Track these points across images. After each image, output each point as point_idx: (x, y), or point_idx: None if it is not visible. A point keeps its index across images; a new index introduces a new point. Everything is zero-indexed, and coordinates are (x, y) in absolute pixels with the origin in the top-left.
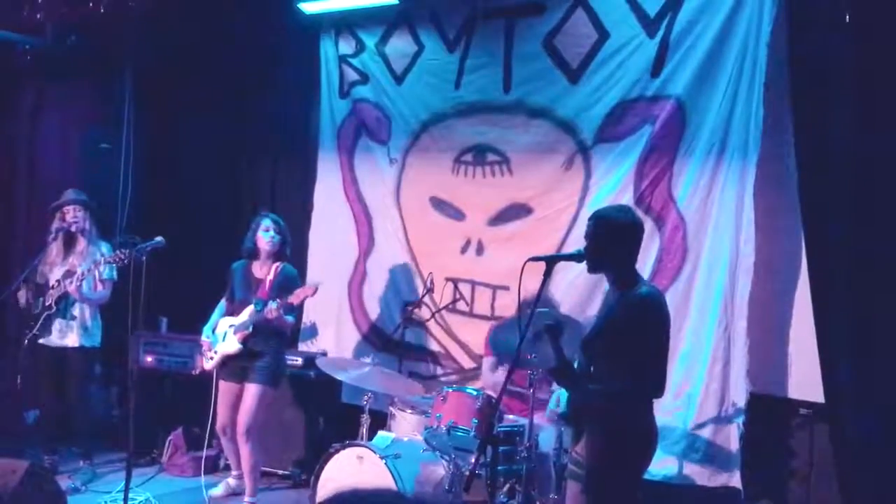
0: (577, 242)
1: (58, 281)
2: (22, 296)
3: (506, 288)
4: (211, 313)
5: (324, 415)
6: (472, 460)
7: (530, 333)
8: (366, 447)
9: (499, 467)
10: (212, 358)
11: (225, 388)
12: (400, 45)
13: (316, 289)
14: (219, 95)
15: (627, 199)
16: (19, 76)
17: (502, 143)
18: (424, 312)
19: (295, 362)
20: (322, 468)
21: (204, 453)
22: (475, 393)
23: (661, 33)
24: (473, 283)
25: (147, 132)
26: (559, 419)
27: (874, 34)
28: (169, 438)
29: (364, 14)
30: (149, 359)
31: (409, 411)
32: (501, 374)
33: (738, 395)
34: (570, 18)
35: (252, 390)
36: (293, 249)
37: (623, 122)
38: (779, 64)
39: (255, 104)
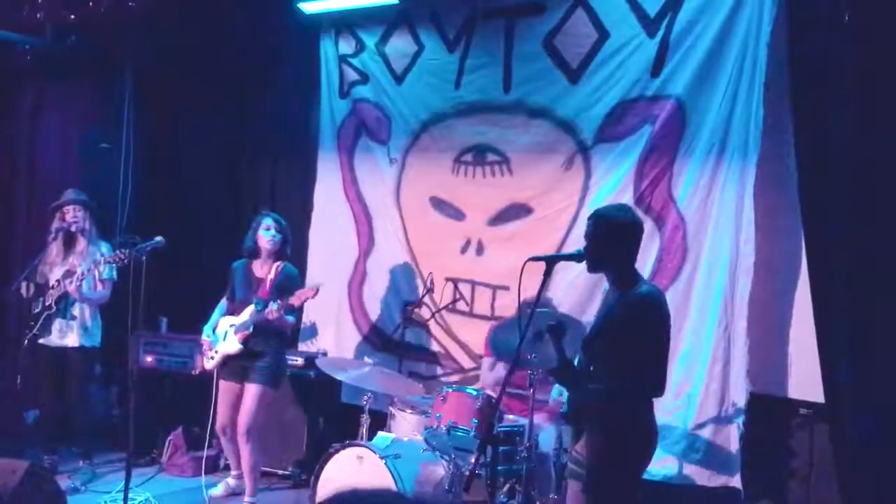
0: (577, 242)
1: (58, 281)
2: (25, 288)
3: (506, 288)
4: (211, 313)
5: (324, 415)
6: (472, 460)
7: (530, 333)
8: (366, 447)
9: (499, 467)
10: (212, 357)
11: (225, 388)
12: (400, 44)
13: (317, 291)
14: (219, 95)
15: (627, 198)
16: (19, 76)
17: (502, 143)
18: (424, 312)
19: (295, 362)
20: (322, 468)
21: (205, 453)
22: (475, 393)
23: (661, 33)
24: (473, 283)
25: (147, 132)
26: (560, 418)
27: (874, 34)
28: (169, 438)
29: (364, 14)
30: (149, 359)
31: (409, 411)
32: (501, 371)
33: (738, 395)
34: (570, 18)
35: (252, 390)
36: (293, 249)
37: (623, 122)
38: (779, 64)
39: (255, 104)
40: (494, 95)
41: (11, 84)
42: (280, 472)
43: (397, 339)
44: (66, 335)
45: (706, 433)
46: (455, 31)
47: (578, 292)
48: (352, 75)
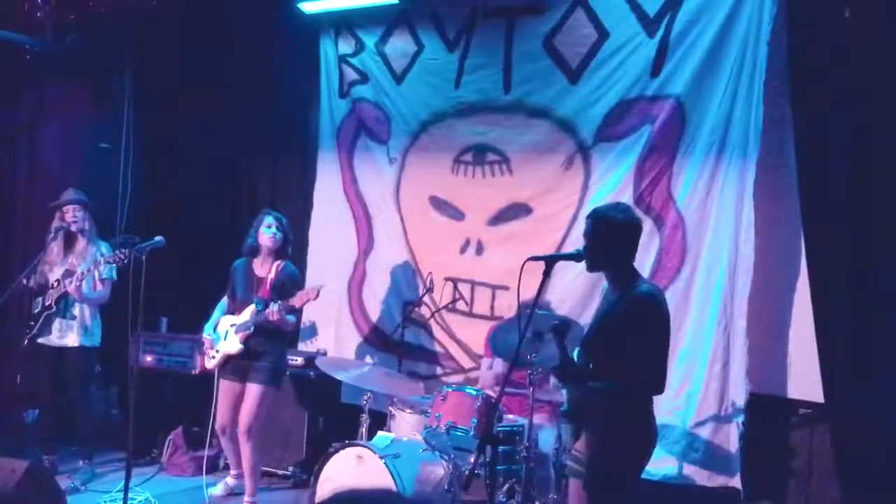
0: (576, 242)
1: (57, 280)
2: (36, 275)
3: (505, 288)
4: (211, 313)
5: (323, 415)
6: (472, 460)
7: (530, 333)
8: (365, 447)
9: (498, 467)
10: (213, 357)
11: (226, 387)
12: (400, 44)
13: (318, 293)
14: (219, 95)
15: (627, 198)
16: (19, 76)
17: (502, 143)
18: (424, 312)
19: (295, 362)
20: (321, 468)
21: (206, 453)
22: (475, 393)
23: (660, 33)
24: (473, 283)
25: (147, 132)
26: (561, 417)
27: (874, 33)
28: (169, 438)
29: (364, 14)
30: (148, 358)
31: (409, 411)
32: (500, 370)
33: (738, 394)
34: (569, 18)
35: (253, 390)
36: (293, 249)
37: (623, 122)
38: (779, 63)
39: (255, 104)
40: (494, 95)
41: (11, 84)
42: (280, 471)
43: (397, 339)
44: (65, 335)
45: (706, 433)
46: (455, 31)
47: (578, 292)
48: (351, 75)
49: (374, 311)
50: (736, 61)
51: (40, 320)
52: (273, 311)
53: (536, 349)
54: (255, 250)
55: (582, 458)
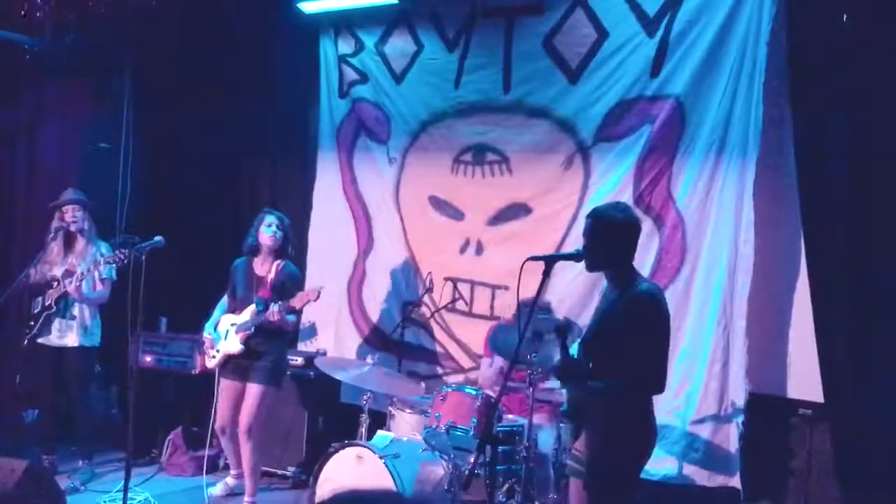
0: (576, 242)
1: (57, 280)
2: (32, 273)
3: (505, 287)
4: (210, 313)
5: (323, 414)
6: (472, 460)
7: (530, 333)
8: (365, 447)
9: (498, 467)
10: (214, 356)
11: (226, 387)
12: (399, 44)
13: (318, 294)
14: (218, 95)
15: (627, 198)
16: (19, 76)
17: (502, 143)
18: (424, 312)
19: (295, 362)
20: (321, 468)
21: (206, 452)
22: (474, 392)
23: (660, 33)
24: (473, 283)
25: (147, 132)
26: (561, 416)
27: (874, 34)
28: (168, 438)
29: (363, 14)
30: (148, 358)
31: (409, 411)
32: (501, 364)
33: (738, 394)
34: (569, 18)
35: (254, 390)
36: (293, 249)
37: (622, 122)
38: (778, 63)
39: (255, 104)
40: (494, 95)
41: (11, 84)
42: (279, 472)
43: (396, 339)
44: (65, 335)
45: (705, 433)
46: (454, 31)
47: (578, 292)
48: (351, 75)
49: (374, 311)
50: (736, 61)
51: (40, 320)
52: (273, 311)
53: (536, 349)
54: (255, 249)
55: (582, 458)
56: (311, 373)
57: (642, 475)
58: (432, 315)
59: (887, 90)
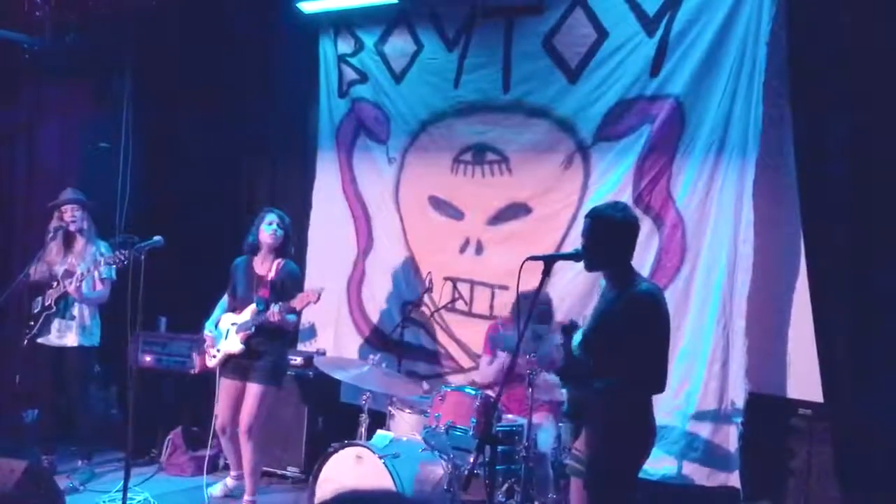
0: (576, 242)
1: (57, 281)
2: (32, 273)
3: (505, 287)
4: (210, 313)
5: (323, 414)
6: (471, 460)
7: (529, 333)
8: (364, 447)
9: (497, 467)
10: (214, 356)
11: (227, 385)
12: (399, 44)
13: (319, 295)
14: (218, 95)
15: (626, 198)
16: (18, 75)
17: (501, 143)
18: (423, 312)
19: (295, 362)
20: (321, 468)
21: (207, 452)
22: (474, 392)
23: (660, 32)
24: (472, 283)
25: (146, 132)
26: (562, 416)
27: (873, 34)
28: (168, 438)
29: (363, 13)
30: (147, 358)
31: (408, 411)
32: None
33: (737, 394)
34: (569, 18)
35: (254, 390)
36: (293, 248)
37: (622, 122)
38: (778, 63)
39: (254, 104)
40: (493, 95)
41: (10, 83)
42: (279, 471)
43: (396, 339)
44: (65, 335)
45: (705, 432)
46: (454, 31)
47: (578, 291)
48: (351, 75)
49: (374, 311)
50: (735, 61)
51: (40, 320)
52: (274, 311)
53: (535, 348)
54: (255, 248)
55: (582, 457)
56: (311, 372)
57: (641, 475)
58: (432, 315)
59: (887, 90)
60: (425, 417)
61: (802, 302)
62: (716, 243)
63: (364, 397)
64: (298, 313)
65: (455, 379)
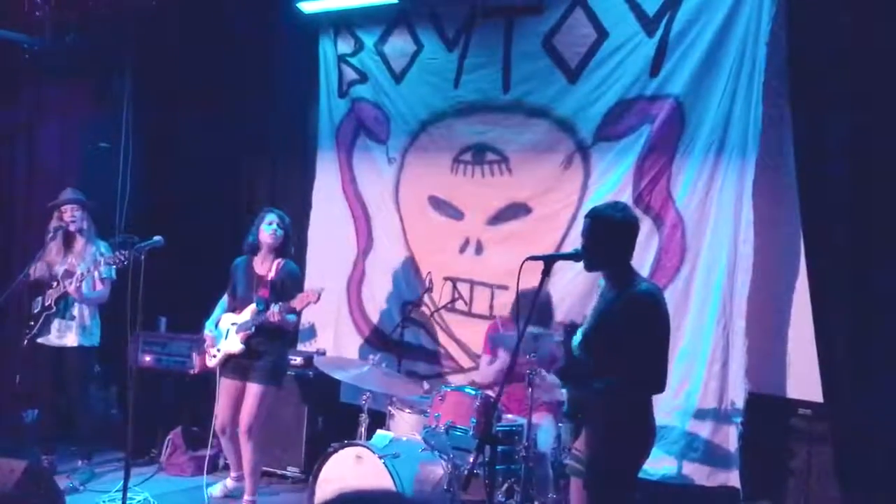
0: (576, 242)
1: (57, 281)
2: (32, 273)
3: (504, 287)
4: (210, 313)
5: (322, 414)
6: (471, 460)
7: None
8: (364, 447)
9: (497, 466)
10: (214, 356)
11: (227, 385)
12: (399, 44)
13: (319, 296)
14: (218, 95)
15: (626, 198)
16: (18, 75)
17: (501, 143)
18: (423, 312)
19: (295, 362)
20: (320, 468)
21: (207, 452)
22: (473, 392)
23: (659, 32)
24: (472, 283)
25: (146, 132)
26: (562, 416)
27: (873, 34)
28: (168, 438)
29: (363, 13)
30: (147, 358)
31: (408, 411)
32: (499, 364)
33: (737, 394)
34: (568, 18)
35: (254, 390)
36: (293, 248)
37: (622, 122)
38: (778, 63)
39: (254, 104)
40: (493, 95)
41: (10, 83)
42: (279, 471)
43: (396, 339)
44: (65, 335)
45: (705, 432)
46: (454, 31)
47: (578, 291)
48: (350, 75)
49: (374, 311)
50: (735, 61)
51: (40, 320)
52: (274, 311)
53: (535, 349)
54: (255, 248)
55: (582, 457)
56: (311, 372)
57: (641, 475)
58: (432, 315)
59: (887, 90)
60: (425, 417)
61: (802, 302)
62: (716, 243)
63: (364, 397)
64: (298, 313)
65: (455, 379)
